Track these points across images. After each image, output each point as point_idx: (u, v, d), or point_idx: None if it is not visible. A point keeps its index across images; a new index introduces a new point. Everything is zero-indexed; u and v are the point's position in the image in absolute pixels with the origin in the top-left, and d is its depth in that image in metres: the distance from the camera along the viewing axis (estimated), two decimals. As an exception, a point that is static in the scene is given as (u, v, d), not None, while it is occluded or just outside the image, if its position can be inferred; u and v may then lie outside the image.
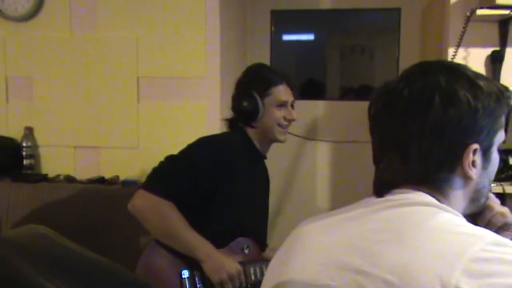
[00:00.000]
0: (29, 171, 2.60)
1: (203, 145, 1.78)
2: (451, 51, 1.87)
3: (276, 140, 1.89)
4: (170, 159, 1.75)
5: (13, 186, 2.45)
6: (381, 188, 0.90)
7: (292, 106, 1.89)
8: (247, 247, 1.80)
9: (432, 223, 0.79)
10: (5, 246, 0.75)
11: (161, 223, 1.67)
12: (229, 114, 1.92)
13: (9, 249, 0.74)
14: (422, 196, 0.85)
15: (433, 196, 0.85)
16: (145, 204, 1.67)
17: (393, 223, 0.81)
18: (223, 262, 1.68)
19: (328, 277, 0.81)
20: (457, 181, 0.86)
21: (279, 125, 1.85)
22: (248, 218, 1.84)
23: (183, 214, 1.68)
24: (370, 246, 0.79)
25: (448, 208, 0.83)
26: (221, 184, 1.74)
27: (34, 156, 2.64)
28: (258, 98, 1.81)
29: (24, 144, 2.61)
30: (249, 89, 1.83)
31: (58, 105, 2.63)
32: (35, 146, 2.65)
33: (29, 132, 2.63)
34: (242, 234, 1.81)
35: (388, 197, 0.87)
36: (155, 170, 1.74)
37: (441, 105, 0.83)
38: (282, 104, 1.84)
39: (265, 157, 1.96)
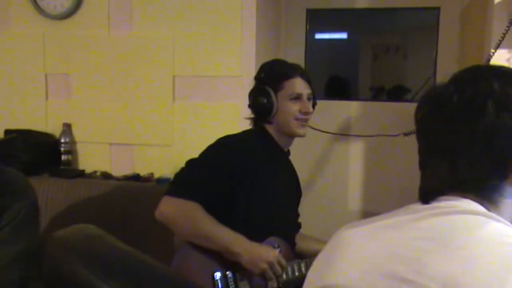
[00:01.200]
0: (66, 167, 2.65)
1: (222, 146, 1.78)
2: (498, 53, 1.83)
3: (295, 135, 1.86)
4: (190, 163, 1.76)
5: (51, 181, 2.51)
6: (427, 195, 0.88)
7: (310, 99, 1.85)
8: (278, 246, 1.79)
9: (482, 233, 0.77)
10: (58, 246, 0.76)
11: (191, 225, 1.67)
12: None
13: (63, 249, 0.75)
14: (471, 204, 0.83)
15: (482, 205, 0.83)
16: (171, 209, 1.68)
17: (440, 231, 0.79)
18: (260, 252, 1.67)
19: (371, 285, 0.79)
20: (508, 189, 0.84)
21: (296, 119, 1.82)
22: (275, 216, 1.83)
23: None
24: (416, 254, 0.77)
25: (498, 217, 0.81)
26: (244, 185, 1.74)
27: (72, 152, 2.69)
28: (271, 92, 1.80)
29: (62, 140, 2.66)
30: (263, 84, 1.83)
31: (95, 103, 2.67)
32: (72, 142, 2.70)
33: (67, 128, 2.68)
34: (271, 233, 1.80)
35: (434, 204, 0.85)
36: (177, 176, 1.75)
37: (495, 110, 0.81)
38: (296, 98, 1.81)
39: (288, 153, 1.95)
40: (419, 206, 0.87)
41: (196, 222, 1.67)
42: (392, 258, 0.79)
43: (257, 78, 1.88)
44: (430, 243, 0.77)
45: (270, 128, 1.87)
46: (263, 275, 1.68)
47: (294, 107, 1.81)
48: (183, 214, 1.67)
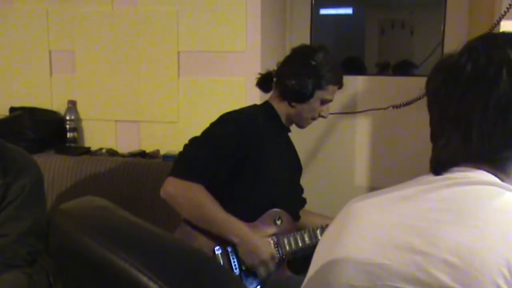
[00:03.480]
0: (72, 144, 2.64)
1: (226, 122, 1.77)
2: (504, 24, 1.80)
3: (300, 127, 1.90)
4: (194, 141, 1.76)
5: (57, 158, 2.50)
6: (439, 166, 0.86)
7: None
8: (279, 218, 1.81)
9: (496, 203, 0.76)
10: (65, 218, 0.76)
11: (193, 208, 1.69)
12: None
13: (70, 221, 0.75)
14: (484, 175, 0.82)
15: (495, 175, 0.82)
16: (175, 190, 1.69)
17: (453, 202, 0.78)
18: (256, 247, 1.70)
19: (385, 257, 0.79)
20: None
21: (312, 118, 1.85)
22: (278, 189, 1.84)
23: (213, 193, 1.69)
24: (429, 225, 0.77)
25: (512, 187, 0.80)
26: (248, 158, 1.74)
27: (77, 129, 2.68)
28: (316, 86, 1.77)
29: (67, 118, 2.65)
30: (314, 72, 1.76)
31: (100, 79, 2.66)
32: (78, 120, 2.69)
33: (72, 105, 2.67)
34: (273, 206, 1.81)
35: (447, 175, 0.84)
36: (181, 155, 1.75)
37: (509, 79, 0.79)
38: (325, 102, 1.83)
39: (289, 130, 1.95)
40: (431, 177, 0.86)
41: (199, 207, 1.68)
42: (406, 229, 0.78)
43: (308, 58, 1.78)
44: (444, 214, 0.77)
45: (280, 105, 1.85)
46: (254, 267, 1.71)
47: (319, 108, 1.83)
48: (187, 197, 1.69)
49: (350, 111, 2.80)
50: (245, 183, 1.76)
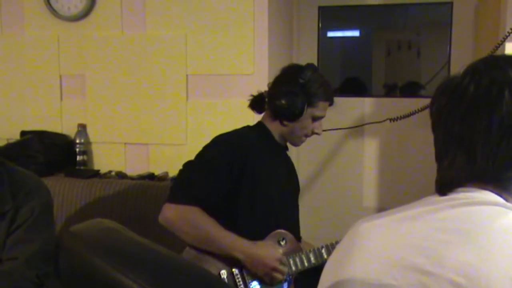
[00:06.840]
0: (82, 167, 2.67)
1: (218, 143, 1.78)
2: (508, 46, 1.81)
3: (294, 145, 1.91)
4: (187, 165, 1.77)
5: (67, 181, 2.52)
6: (445, 187, 0.87)
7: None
8: (283, 239, 1.80)
9: (501, 223, 0.76)
10: (75, 239, 0.77)
11: (192, 230, 1.69)
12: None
13: (79, 242, 0.76)
14: (489, 195, 0.82)
15: (500, 195, 0.82)
16: (172, 215, 1.69)
17: (459, 222, 0.79)
18: (262, 257, 1.69)
19: (391, 277, 0.79)
20: None
21: (305, 135, 1.85)
22: (277, 208, 1.84)
23: (214, 217, 1.69)
24: (435, 246, 0.77)
25: (517, 208, 0.80)
26: (243, 178, 1.74)
27: (87, 152, 2.71)
28: (305, 105, 1.77)
29: (77, 141, 2.68)
30: (302, 90, 1.77)
31: (109, 103, 2.69)
32: (87, 143, 2.72)
33: (82, 129, 2.70)
34: (274, 227, 1.80)
35: (453, 196, 0.85)
36: (176, 181, 1.77)
37: (511, 100, 0.80)
38: (317, 118, 1.83)
39: (286, 148, 1.95)
40: (437, 198, 0.87)
41: (199, 229, 1.68)
42: (412, 250, 0.79)
43: (298, 79, 1.78)
44: (450, 234, 0.77)
45: (272, 124, 1.85)
46: (268, 277, 1.70)
47: (311, 126, 1.83)
48: (184, 221, 1.68)
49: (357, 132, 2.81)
50: (243, 204, 1.75)
